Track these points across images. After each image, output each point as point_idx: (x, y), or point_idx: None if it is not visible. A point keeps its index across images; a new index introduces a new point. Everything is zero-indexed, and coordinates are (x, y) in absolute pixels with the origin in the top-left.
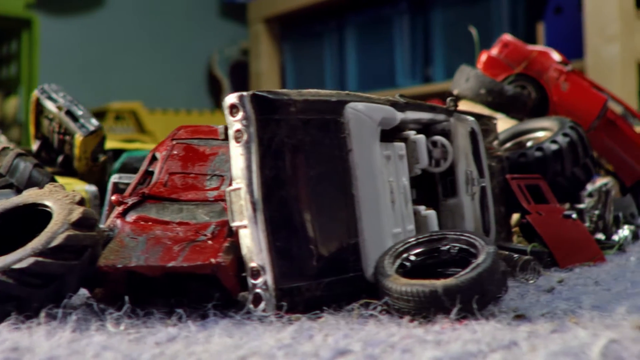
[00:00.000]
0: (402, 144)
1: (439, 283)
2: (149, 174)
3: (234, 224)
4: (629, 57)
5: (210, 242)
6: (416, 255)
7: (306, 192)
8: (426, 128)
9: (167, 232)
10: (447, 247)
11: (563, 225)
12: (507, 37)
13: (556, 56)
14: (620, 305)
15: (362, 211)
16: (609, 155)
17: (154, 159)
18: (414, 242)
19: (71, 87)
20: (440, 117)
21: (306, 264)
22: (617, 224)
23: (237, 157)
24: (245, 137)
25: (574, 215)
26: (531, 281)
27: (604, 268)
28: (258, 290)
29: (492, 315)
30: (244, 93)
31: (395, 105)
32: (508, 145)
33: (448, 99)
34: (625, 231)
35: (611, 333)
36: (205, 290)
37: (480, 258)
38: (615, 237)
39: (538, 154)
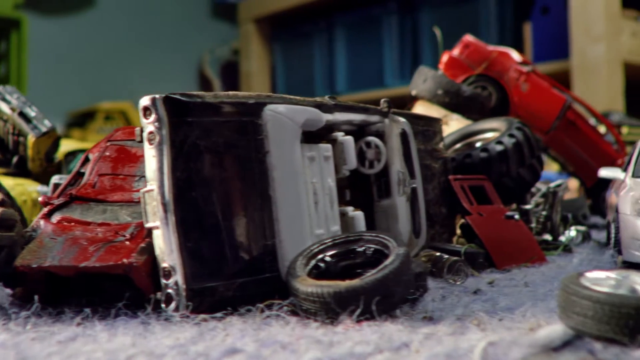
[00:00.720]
0: (329, 146)
1: (343, 284)
2: (80, 175)
3: (147, 225)
4: (615, 57)
5: (127, 242)
6: (332, 256)
7: (219, 194)
8: (361, 129)
9: (87, 233)
10: (363, 248)
11: (503, 226)
12: (468, 37)
13: (516, 57)
14: (535, 307)
15: (279, 212)
16: (569, 156)
17: (86, 160)
18: (330, 244)
19: (61, 87)
20: (375, 118)
21: (218, 264)
22: (565, 225)
23: (150, 159)
24: (157, 139)
25: (517, 216)
26: (458, 282)
27: (542, 269)
28: (169, 291)
29: (402, 317)
30: (157, 95)
31: (322, 106)
32: (458, 146)
33: (382, 101)
34: (572, 232)
35: (505, 335)
36: (119, 290)
37: (389, 260)
38: (563, 238)
39: (483, 155)
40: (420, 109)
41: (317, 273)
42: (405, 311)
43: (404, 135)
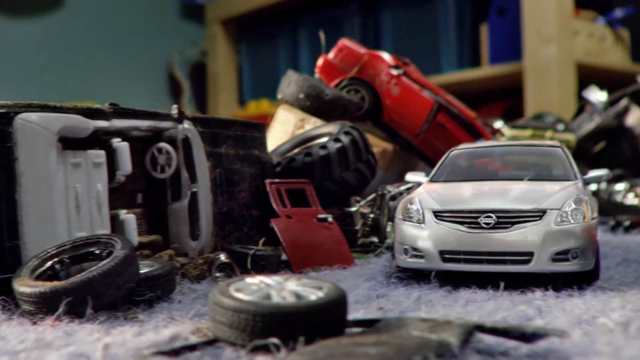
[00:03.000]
0: (101, 152)
1: (49, 285)
2: None
3: None
4: (567, 59)
5: None
6: (70, 258)
7: None
8: (158, 135)
9: None
10: (99, 250)
11: (311, 229)
12: (344, 41)
13: (389, 59)
14: None
15: (24, 216)
16: (439, 159)
17: None
18: (69, 246)
19: (29, 87)
20: (167, 124)
21: None
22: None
23: None
24: None
25: (330, 219)
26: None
27: (339, 272)
28: None
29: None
30: None
31: (93, 113)
32: (296, 151)
33: (173, 107)
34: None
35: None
36: None
37: (103, 262)
38: (389, 241)
39: (307, 159)
40: (282, 112)
41: (52, 275)
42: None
43: (186, 141)
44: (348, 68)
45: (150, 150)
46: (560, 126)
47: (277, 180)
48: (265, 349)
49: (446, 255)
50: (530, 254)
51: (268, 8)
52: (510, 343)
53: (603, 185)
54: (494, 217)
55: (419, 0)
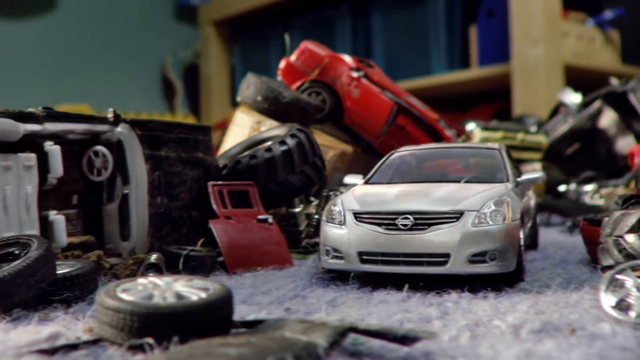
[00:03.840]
0: (31, 155)
1: None
2: None
3: None
4: (554, 60)
5: None
6: None
7: None
8: (96, 138)
9: None
10: (18, 250)
11: (250, 230)
12: (306, 43)
13: (350, 62)
14: None
15: None
16: None
17: None
18: None
19: (22, 89)
20: (103, 127)
21: None
22: None
23: None
24: None
25: (270, 220)
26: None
27: (273, 272)
28: None
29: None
30: None
31: (24, 117)
32: (246, 153)
33: (109, 110)
34: None
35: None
36: None
37: (15, 262)
38: None
39: (252, 161)
40: (239, 115)
41: None
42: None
43: (119, 144)
44: (309, 70)
45: (87, 153)
46: (533, 128)
47: (220, 182)
48: (141, 348)
49: (364, 257)
50: (447, 255)
51: (260, 9)
52: (390, 346)
53: (572, 186)
54: (412, 219)
55: (410, 2)
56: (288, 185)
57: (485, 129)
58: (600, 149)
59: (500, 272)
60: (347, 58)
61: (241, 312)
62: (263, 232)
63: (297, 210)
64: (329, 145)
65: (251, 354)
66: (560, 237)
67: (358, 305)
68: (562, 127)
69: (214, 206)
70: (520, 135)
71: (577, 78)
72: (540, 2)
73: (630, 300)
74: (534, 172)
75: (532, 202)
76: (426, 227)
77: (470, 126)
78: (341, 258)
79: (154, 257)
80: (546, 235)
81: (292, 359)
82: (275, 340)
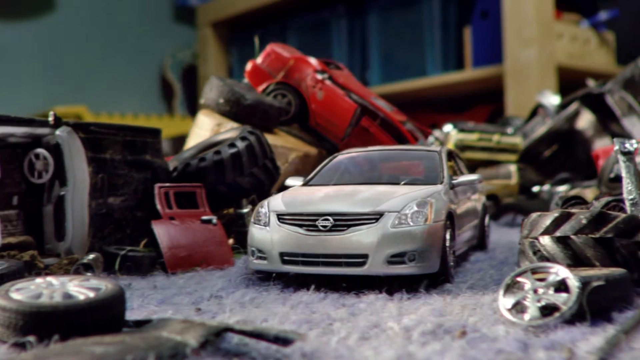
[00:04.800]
0: None
1: None
2: None
3: None
4: (547, 61)
5: None
6: None
7: None
8: (39, 141)
9: None
10: None
11: (191, 231)
12: (272, 46)
13: (315, 64)
14: None
15: None
16: None
17: None
18: None
19: (18, 91)
20: (43, 131)
21: None
22: None
23: None
24: None
25: (214, 221)
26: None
27: (211, 272)
28: None
29: None
30: None
31: None
32: (201, 156)
33: (50, 113)
34: None
35: None
36: None
37: None
38: None
39: (201, 164)
40: (200, 117)
41: None
42: None
43: (57, 147)
44: (275, 72)
45: (27, 156)
46: (510, 130)
47: (167, 184)
48: (24, 346)
49: (286, 257)
50: (365, 256)
51: (258, 11)
52: (274, 347)
53: (546, 187)
54: (331, 220)
55: (406, 3)
56: (236, 187)
57: (462, 130)
58: (579, 151)
59: (421, 273)
60: (313, 60)
61: (155, 312)
62: (206, 232)
63: (245, 210)
64: (292, 147)
65: (115, 352)
66: (518, 238)
67: (271, 306)
68: (540, 128)
69: (158, 207)
70: (496, 137)
71: (571, 79)
72: (532, 3)
73: (526, 302)
74: (472, 174)
75: (479, 204)
76: (345, 228)
77: (447, 128)
78: (265, 259)
79: (90, 257)
80: (506, 235)
81: (153, 358)
82: (147, 340)
